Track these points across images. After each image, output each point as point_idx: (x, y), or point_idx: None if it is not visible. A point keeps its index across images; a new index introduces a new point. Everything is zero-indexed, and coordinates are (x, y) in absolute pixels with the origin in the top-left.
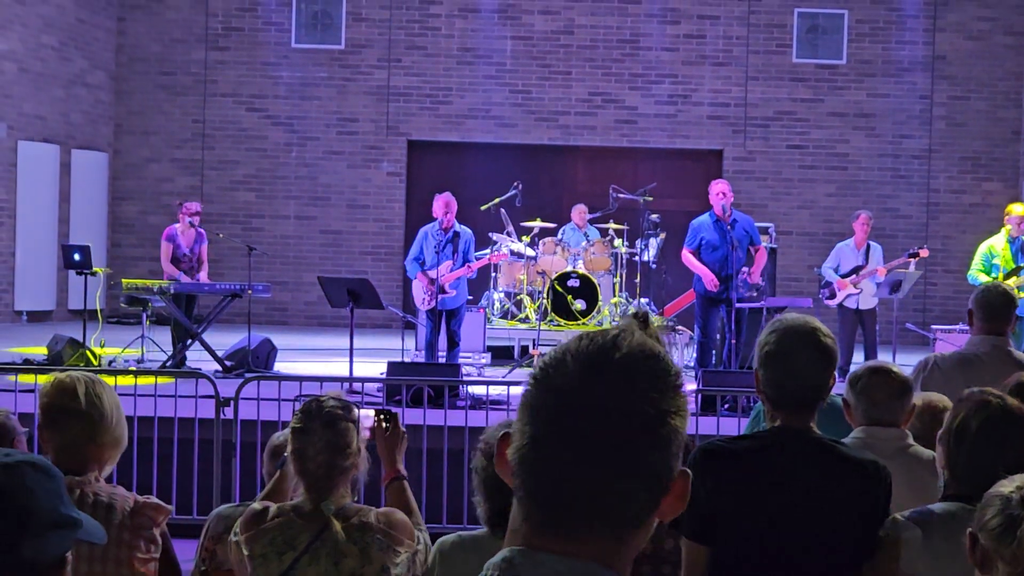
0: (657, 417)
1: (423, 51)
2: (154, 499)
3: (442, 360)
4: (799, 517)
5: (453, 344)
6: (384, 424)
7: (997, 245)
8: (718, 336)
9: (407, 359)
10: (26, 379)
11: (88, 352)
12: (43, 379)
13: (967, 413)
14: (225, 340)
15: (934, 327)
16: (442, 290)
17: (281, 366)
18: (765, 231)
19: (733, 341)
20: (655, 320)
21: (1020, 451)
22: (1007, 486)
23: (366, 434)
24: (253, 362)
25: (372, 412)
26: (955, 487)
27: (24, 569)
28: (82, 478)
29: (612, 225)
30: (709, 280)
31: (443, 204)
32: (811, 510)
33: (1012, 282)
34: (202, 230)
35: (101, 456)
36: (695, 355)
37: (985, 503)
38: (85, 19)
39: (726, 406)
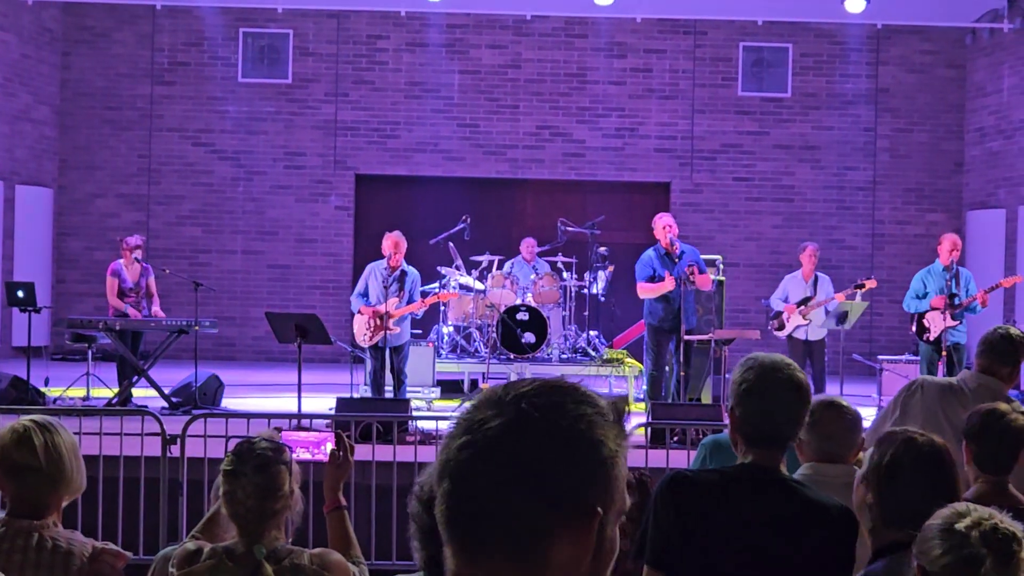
0: (557, 436)
1: (371, 85)
2: (112, 546)
3: (390, 395)
4: (761, 554)
5: (399, 382)
6: (340, 451)
7: (933, 272)
8: (667, 368)
9: (356, 394)
10: None
11: (33, 390)
12: None
13: (896, 451)
14: (172, 376)
15: (880, 357)
16: (387, 326)
17: (229, 402)
18: (713, 263)
19: (682, 373)
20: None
21: (951, 490)
22: (955, 519)
23: (323, 456)
24: (200, 399)
25: (334, 435)
26: (886, 534)
27: None
28: (40, 522)
29: (560, 258)
30: (670, 282)
31: (392, 244)
32: (774, 548)
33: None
34: (147, 264)
35: (59, 503)
36: (645, 387)
37: (929, 535)
38: (30, 54)
39: (675, 439)
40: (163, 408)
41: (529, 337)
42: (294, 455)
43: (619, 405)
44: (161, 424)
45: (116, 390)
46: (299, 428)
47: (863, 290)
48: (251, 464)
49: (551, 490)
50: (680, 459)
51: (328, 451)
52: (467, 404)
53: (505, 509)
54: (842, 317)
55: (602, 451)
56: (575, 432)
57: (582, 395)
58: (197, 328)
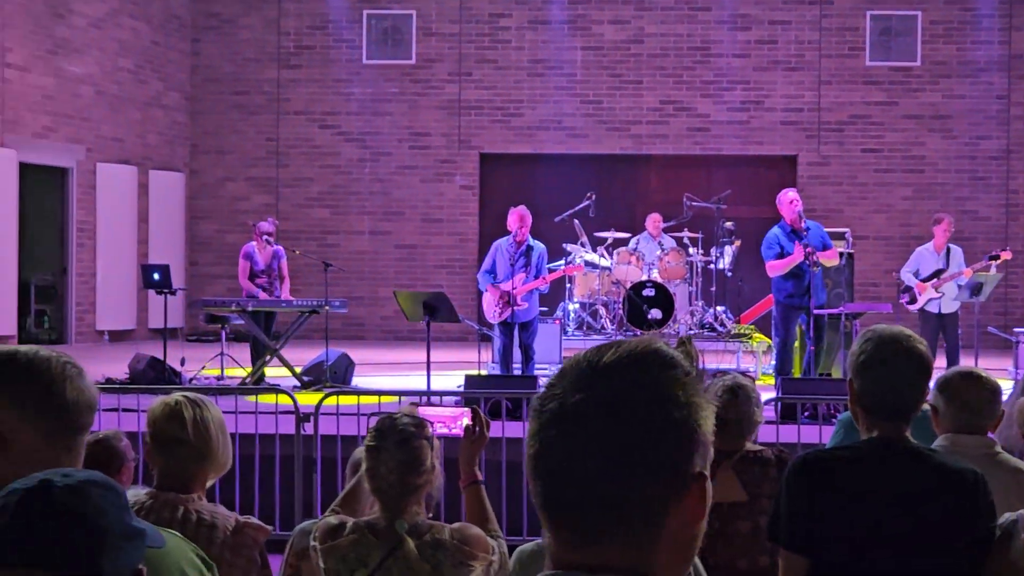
0: (654, 408)
1: (493, 64)
2: (255, 520)
3: (518, 372)
4: (899, 528)
5: (528, 358)
6: (476, 426)
7: None
8: (797, 343)
9: (484, 372)
10: (110, 397)
11: (170, 370)
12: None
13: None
14: (303, 356)
15: (1016, 330)
16: (515, 302)
17: (359, 381)
18: (841, 236)
19: (812, 348)
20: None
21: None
22: None
23: (459, 432)
24: (331, 377)
25: (470, 410)
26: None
27: None
28: (186, 496)
29: (686, 233)
30: (799, 252)
31: (517, 218)
32: (912, 521)
33: None
34: (279, 247)
35: (205, 478)
36: (774, 362)
37: None
38: (160, 42)
39: (807, 414)
40: (295, 387)
41: (655, 313)
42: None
43: (690, 350)
44: (295, 402)
45: (249, 369)
46: (428, 405)
47: (997, 262)
48: (393, 439)
49: (652, 464)
50: (811, 434)
51: (464, 426)
52: (552, 380)
53: (611, 493)
54: (976, 289)
55: (696, 414)
56: (669, 401)
57: (666, 358)
58: (328, 308)
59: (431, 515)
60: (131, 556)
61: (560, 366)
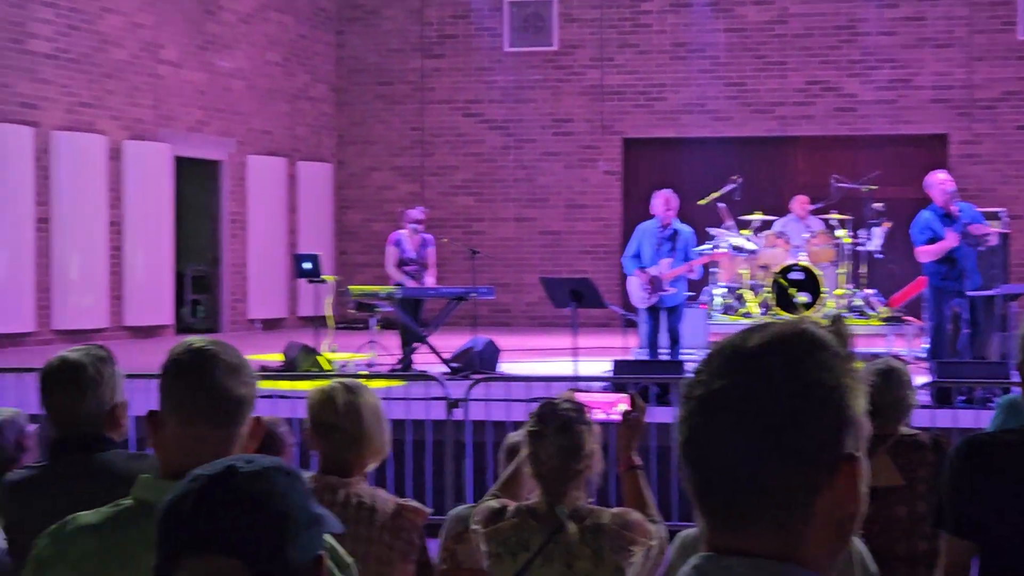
0: (801, 391)
1: (636, 48)
2: (413, 502)
3: (664, 357)
4: None
5: (675, 342)
6: (634, 412)
7: None
8: (951, 326)
9: (631, 357)
10: (265, 385)
11: (320, 358)
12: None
13: None
14: (450, 342)
15: None
16: (661, 287)
17: (505, 367)
18: (996, 216)
19: (968, 331)
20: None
21: None
22: None
23: (616, 417)
24: (479, 364)
25: (627, 396)
26: None
27: (292, 572)
28: (347, 480)
29: (834, 215)
30: (953, 239)
31: (663, 201)
32: None
33: None
34: (428, 235)
35: (363, 463)
36: (928, 346)
37: None
38: (306, 34)
39: (962, 398)
40: (444, 373)
41: (804, 296)
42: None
43: (841, 329)
44: (445, 388)
45: (399, 356)
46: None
47: None
48: (554, 425)
49: (799, 448)
50: (967, 419)
51: (621, 412)
52: (698, 365)
53: (759, 478)
54: None
55: (846, 396)
56: (816, 383)
57: (815, 339)
58: (475, 295)
59: (591, 500)
60: (313, 542)
61: (707, 351)
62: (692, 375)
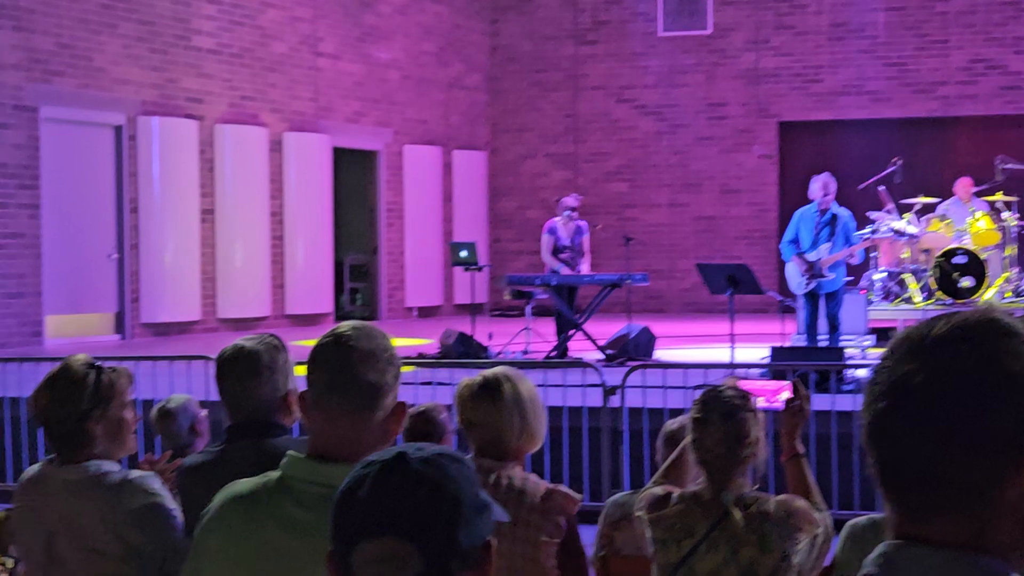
0: (985, 378)
1: (792, 30)
2: (564, 488)
3: (823, 344)
4: None
5: (834, 328)
6: (797, 400)
7: None
8: None
9: (789, 343)
10: (420, 370)
11: (477, 345)
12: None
13: None
14: (605, 329)
15: None
16: (820, 273)
17: (660, 354)
18: None
19: None
20: None
21: None
22: None
23: (779, 405)
24: (633, 350)
25: (791, 383)
26: None
27: (462, 557)
28: (500, 464)
29: (1000, 197)
30: None
31: (821, 186)
32: None
33: None
34: (583, 222)
35: (520, 450)
36: None
37: None
38: (461, 24)
39: None
40: (599, 360)
41: (968, 281)
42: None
43: None
44: (601, 375)
45: (554, 343)
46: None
47: None
48: (719, 412)
49: (983, 436)
50: None
51: (784, 399)
52: (884, 352)
53: (943, 466)
54: None
55: None
56: (1004, 372)
57: (1004, 327)
58: (629, 282)
59: (756, 486)
60: (482, 529)
61: (893, 338)
62: (877, 362)
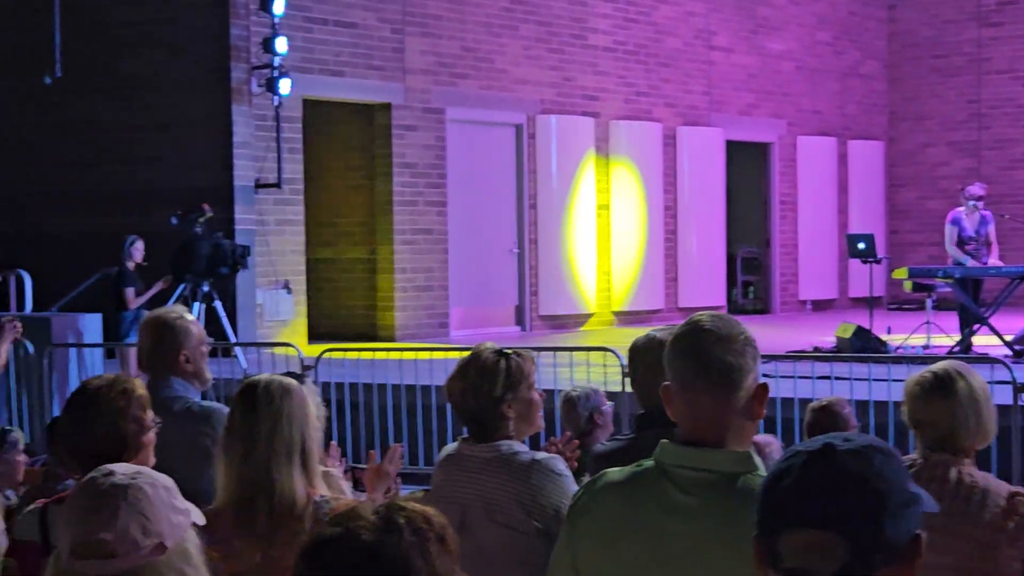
0: None
1: None
2: None
3: None
4: None
5: None
6: None
7: None
8: None
9: None
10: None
11: (875, 339)
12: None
13: None
14: (1013, 324)
15: None
16: None
17: None
18: None
19: None
20: None
21: None
22: None
23: None
24: None
25: None
26: None
27: (888, 550)
28: (956, 459)
29: None
30: None
31: None
32: None
33: None
34: (987, 212)
35: (972, 444)
36: None
37: None
38: (856, 12)
39: None
40: (1007, 356)
41: None
42: None
43: None
44: (1011, 371)
45: (957, 338)
46: None
47: None
48: None
49: None
50: None
51: None
52: None
53: None
54: None
55: None
56: None
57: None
58: None
59: None
60: (911, 521)
61: None
62: None
